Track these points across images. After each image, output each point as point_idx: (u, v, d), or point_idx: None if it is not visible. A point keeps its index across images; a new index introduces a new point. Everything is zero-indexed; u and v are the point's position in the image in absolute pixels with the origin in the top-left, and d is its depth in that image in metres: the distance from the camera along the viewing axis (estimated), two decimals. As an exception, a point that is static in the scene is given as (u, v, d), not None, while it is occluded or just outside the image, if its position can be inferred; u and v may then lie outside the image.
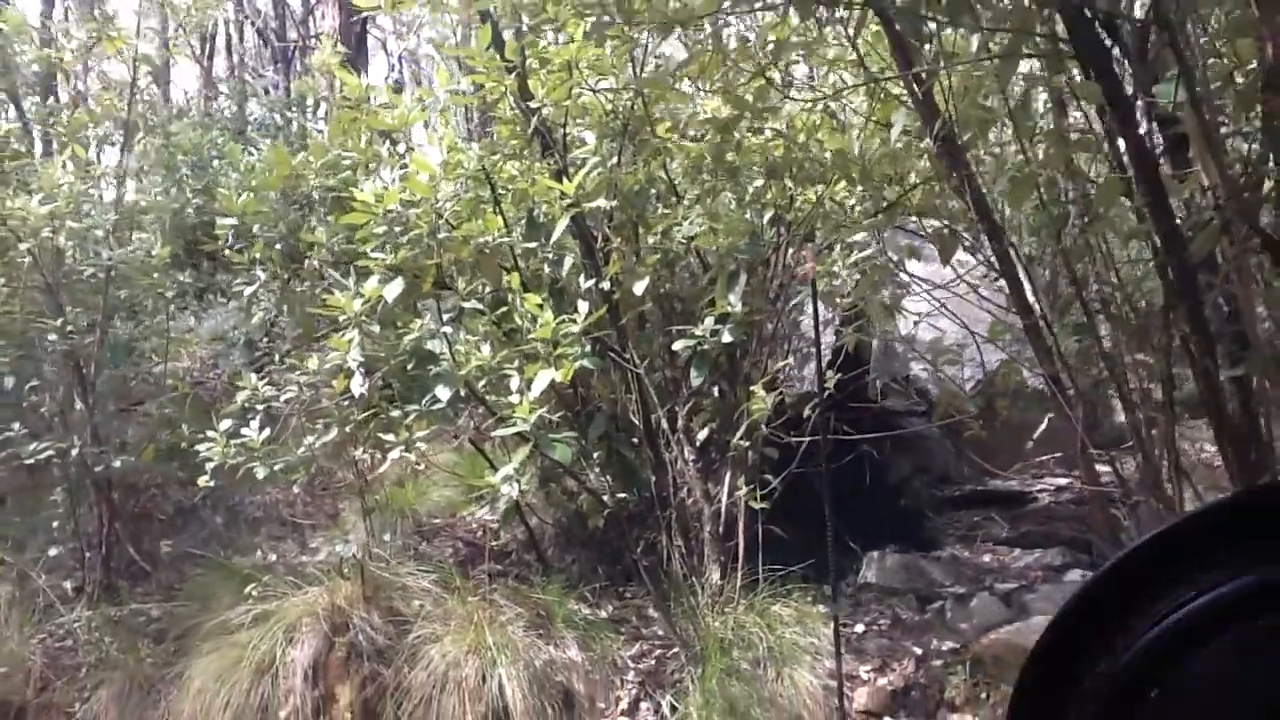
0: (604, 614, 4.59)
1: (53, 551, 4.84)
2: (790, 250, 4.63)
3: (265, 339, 5.42)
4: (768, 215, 4.64)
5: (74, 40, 5.48)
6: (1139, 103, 2.83)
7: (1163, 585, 0.77)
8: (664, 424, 4.12)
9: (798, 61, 4.38)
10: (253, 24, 16.41)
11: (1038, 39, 2.83)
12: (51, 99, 6.86)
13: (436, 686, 4.13)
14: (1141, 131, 2.85)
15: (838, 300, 4.79)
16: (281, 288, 4.71)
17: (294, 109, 8.97)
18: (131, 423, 5.15)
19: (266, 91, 11.23)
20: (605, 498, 4.49)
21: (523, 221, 4.64)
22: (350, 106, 4.64)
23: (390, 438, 4.02)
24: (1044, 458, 5.40)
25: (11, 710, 4.60)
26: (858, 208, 4.66)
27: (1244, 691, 0.76)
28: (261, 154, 6.25)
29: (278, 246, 4.69)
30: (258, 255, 4.66)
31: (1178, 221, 2.78)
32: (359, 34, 13.08)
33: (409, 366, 4.39)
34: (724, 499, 4.29)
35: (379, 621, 4.38)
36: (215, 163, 5.88)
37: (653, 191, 4.37)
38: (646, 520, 4.50)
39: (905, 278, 4.69)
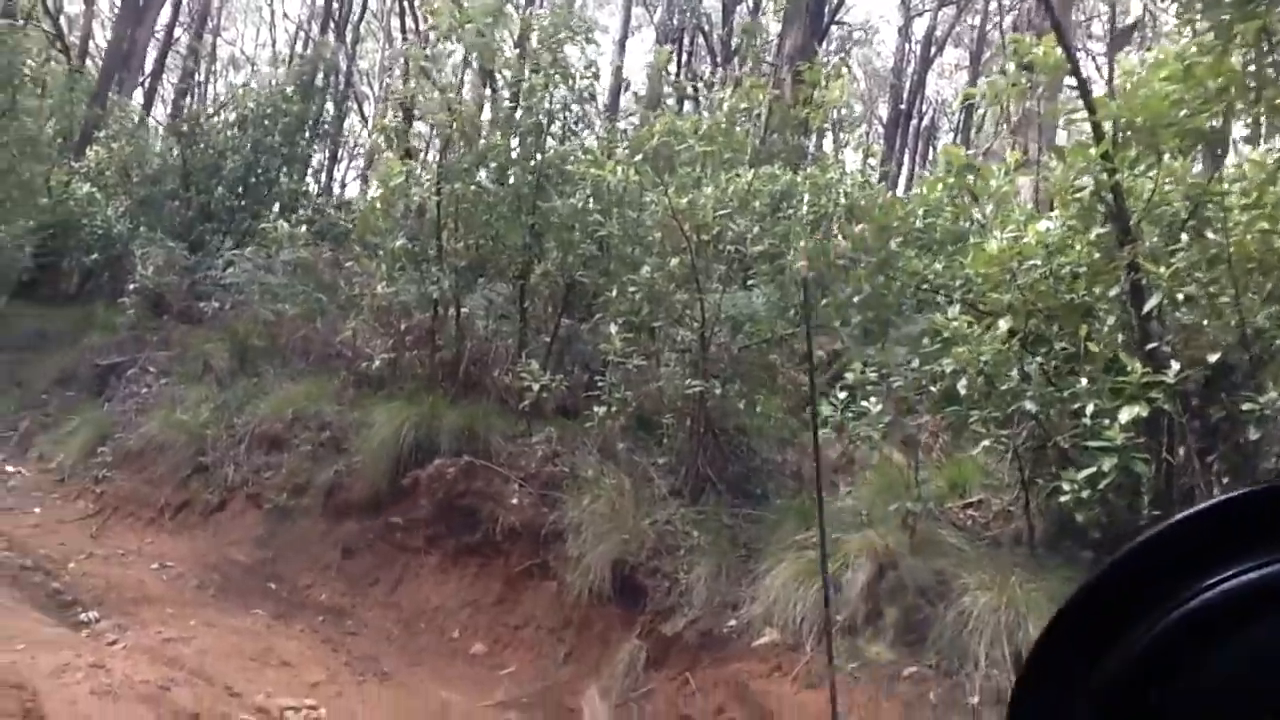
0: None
1: (661, 460, 6.60)
2: None
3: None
4: None
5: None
6: None
7: (1172, 580, 0.74)
8: (1195, 462, 5.19)
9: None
10: (702, 30, 18.66)
11: None
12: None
13: (967, 625, 5.41)
14: None
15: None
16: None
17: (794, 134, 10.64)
18: (736, 376, 6.87)
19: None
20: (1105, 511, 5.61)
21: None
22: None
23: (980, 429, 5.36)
24: None
25: (627, 566, 6.40)
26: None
27: (1253, 690, 0.73)
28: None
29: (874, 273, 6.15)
30: (863, 277, 6.18)
31: None
32: (814, 52, 15.66)
33: (978, 378, 5.72)
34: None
35: (921, 566, 5.74)
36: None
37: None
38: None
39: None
